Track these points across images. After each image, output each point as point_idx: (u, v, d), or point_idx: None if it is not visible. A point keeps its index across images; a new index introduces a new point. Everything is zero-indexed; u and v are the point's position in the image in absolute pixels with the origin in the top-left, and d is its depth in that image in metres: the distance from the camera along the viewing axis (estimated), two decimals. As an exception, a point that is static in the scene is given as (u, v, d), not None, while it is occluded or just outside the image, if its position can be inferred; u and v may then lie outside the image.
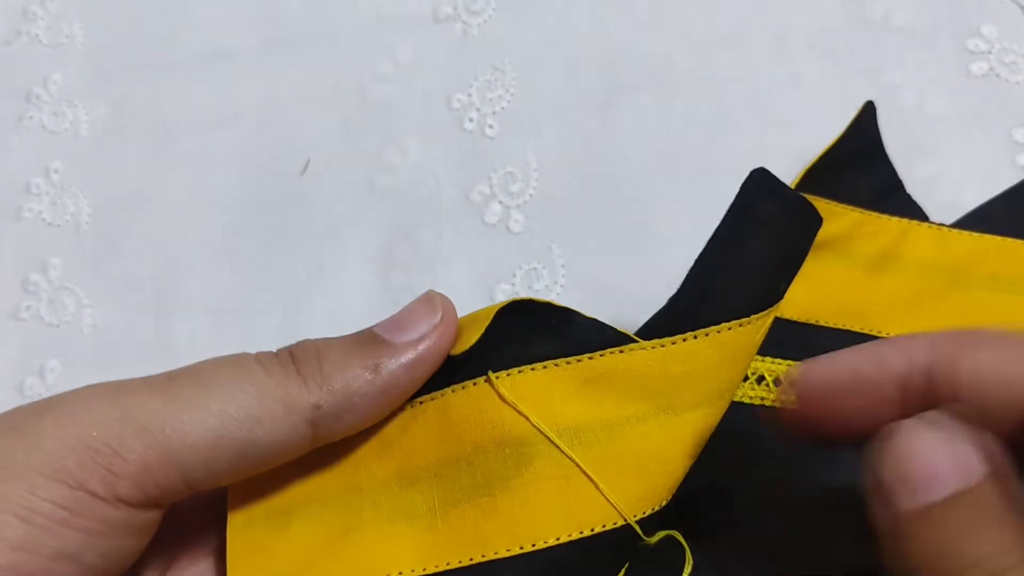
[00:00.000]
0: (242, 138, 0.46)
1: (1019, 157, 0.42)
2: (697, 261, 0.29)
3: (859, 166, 0.40)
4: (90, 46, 0.48)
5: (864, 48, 0.45)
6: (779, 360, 0.36)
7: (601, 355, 0.28)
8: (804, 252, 0.29)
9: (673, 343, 0.28)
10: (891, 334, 0.37)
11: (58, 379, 0.42)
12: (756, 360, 0.36)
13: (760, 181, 0.29)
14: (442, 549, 0.28)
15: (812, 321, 0.37)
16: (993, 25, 0.45)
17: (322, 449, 0.29)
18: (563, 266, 0.42)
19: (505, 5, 0.47)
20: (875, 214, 0.39)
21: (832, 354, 0.26)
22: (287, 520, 0.29)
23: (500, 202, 0.43)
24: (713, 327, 0.27)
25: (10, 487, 0.23)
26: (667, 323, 0.28)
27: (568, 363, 0.28)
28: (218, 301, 0.43)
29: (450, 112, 0.45)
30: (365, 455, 0.29)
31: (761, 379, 0.36)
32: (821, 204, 0.38)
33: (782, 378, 0.27)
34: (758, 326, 0.28)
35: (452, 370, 0.28)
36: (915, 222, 0.39)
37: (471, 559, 0.27)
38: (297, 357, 0.27)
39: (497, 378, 0.28)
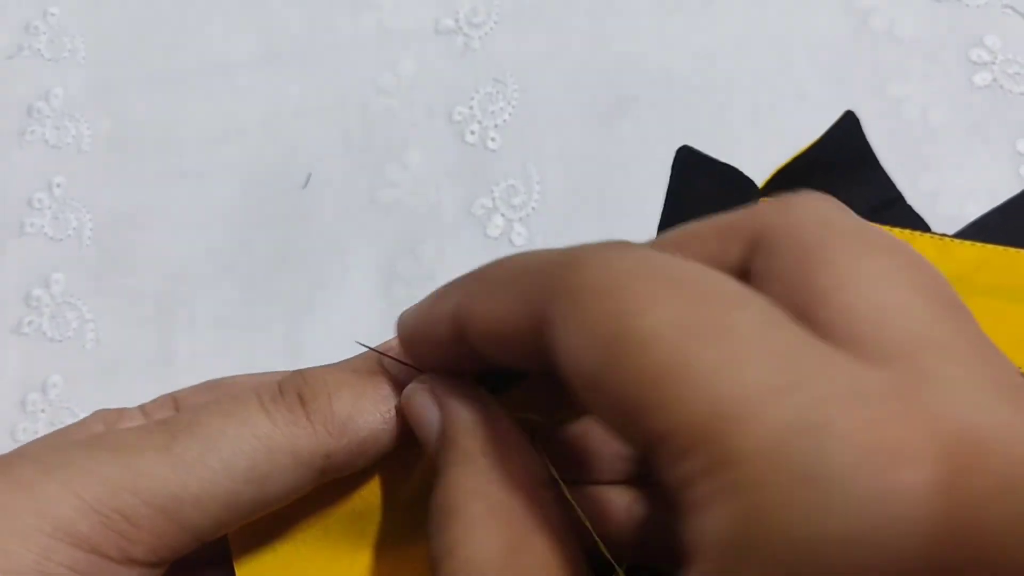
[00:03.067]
0: (244, 152, 0.46)
1: (1023, 168, 0.42)
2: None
3: (851, 176, 0.40)
4: (92, 60, 0.48)
5: (867, 59, 0.45)
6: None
7: None
8: None
9: None
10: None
11: (60, 394, 0.42)
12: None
13: (687, 160, 0.29)
14: None
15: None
16: (996, 35, 0.45)
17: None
18: (565, 279, 0.42)
19: (506, 18, 0.47)
20: (876, 225, 0.39)
21: (415, 306, 0.26)
22: (294, 547, 0.29)
23: (502, 215, 0.43)
24: None
25: (24, 551, 0.22)
26: None
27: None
28: (220, 315, 0.43)
29: (452, 125, 0.45)
30: (354, 484, 0.29)
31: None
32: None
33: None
34: None
35: None
36: (917, 232, 0.39)
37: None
38: (306, 399, 0.26)
39: None
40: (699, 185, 0.29)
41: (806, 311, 0.19)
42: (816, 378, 0.16)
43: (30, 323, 0.43)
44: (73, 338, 0.43)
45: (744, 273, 0.22)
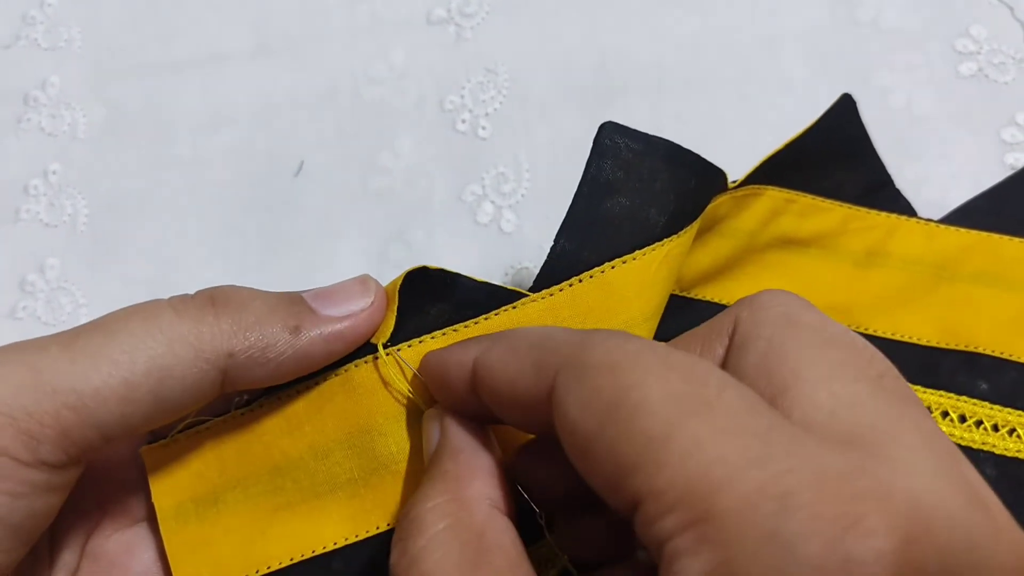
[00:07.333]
0: (237, 140, 0.46)
1: (1007, 156, 0.42)
2: (570, 209, 0.30)
3: (846, 161, 0.40)
4: (88, 50, 0.49)
5: (854, 49, 0.45)
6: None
7: (496, 314, 0.29)
8: (671, 183, 0.30)
9: (560, 290, 0.29)
10: (876, 330, 0.37)
11: (54, 378, 0.42)
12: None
13: (610, 131, 0.30)
14: (368, 515, 0.29)
15: (799, 318, 0.37)
16: (982, 26, 0.45)
17: (232, 433, 0.30)
18: (554, 265, 0.42)
19: (498, 8, 0.48)
20: (864, 209, 0.39)
21: (441, 350, 0.28)
22: (216, 508, 0.30)
23: (492, 202, 0.44)
24: (596, 268, 0.29)
25: None
26: (554, 272, 0.29)
27: (466, 327, 0.29)
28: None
29: (443, 113, 0.46)
30: (275, 435, 0.30)
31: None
32: (808, 200, 0.38)
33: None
34: (645, 262, 0.29)
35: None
36: (903, 217, 0.40)
37: (399, 516, 0.28)
38: (217, 300, 0.26)
39: (399, 350, 0.29)
40: (618, 153, 0.30)
41: (771, 401, 0.21)
42: (783, 454, 0.18)
43: (24, 308, 0.43)
44: (67, 323, 0.43)
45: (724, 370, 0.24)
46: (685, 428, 0.19)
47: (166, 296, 0.43)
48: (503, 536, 0.23)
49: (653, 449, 0.19)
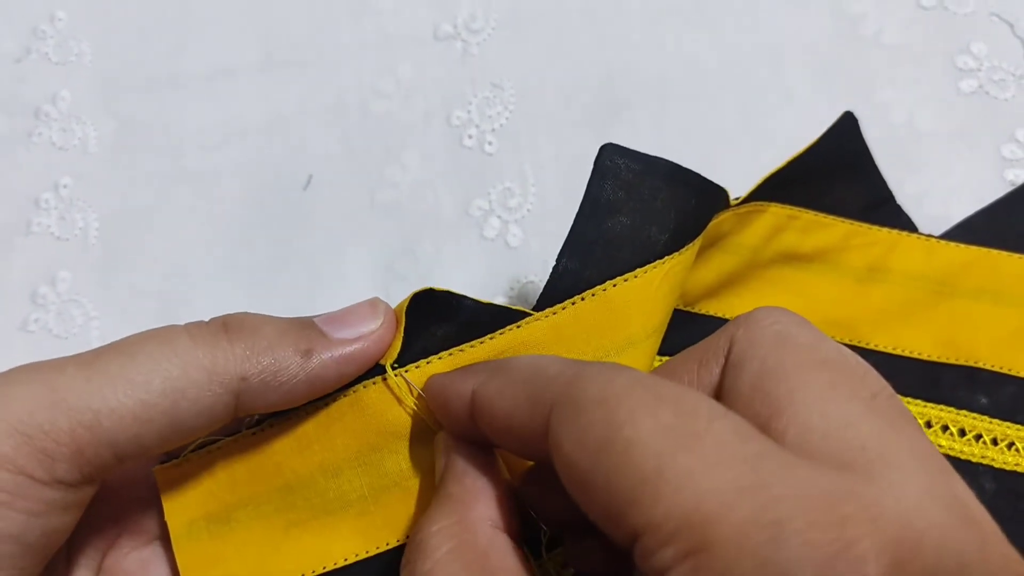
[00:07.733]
0: (246, 154, 0.47)
1: (1007, 172, 0.43)
2: (572, 229, 0.30)
3: (848, 177, 0.41)
4: (98, 64, 0.49)
5: (856, 65, 0.46)
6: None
7: (501, 333, 0.30)
8: (671, 202, 0.31)
9: (563, 308, 0.30)
10: (878, 345, 0.37)
11: (65, 390, 0.43)
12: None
13: (610, 152, 0.30)
14: (379, 531, 0.30)
15: (802, 333, 0.38)
16: (983, 43, 0.46)
17: (242, 452, 0.30)
18: (560, 279, 0.42)
19: (504, 24, 0.48)
20: (865, 225, 0.40)
21: (441, 378, 0.28)
22: (228, 526, 0.30)
23: (498, 217, 0.44)
24: (599, 287, 0.30)
25: None
26: (557, 291, 0.30)
27: (472, 347, 0.30)
28: (222, 314, 0.44)
29: (450, 129, 0.46)
30: (285, 454, 0.30)
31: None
32: (810, 217, 0.39)
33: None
34: (647, 280, 0.30)
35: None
36: (904, 233, 0.40)
37: (408, 537, 0.29)
38: (231, 326, 0.27)
39: (407, 371, 0.29)
40: (618, 174, 0.31)
41: (766, 423, 0.22)
42: (774, 481, 0.19)
43: (36, 320, 0.44)
44: (78, 335, 0.44)
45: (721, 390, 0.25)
46: (676, 461, 0.19)
47: (176, 307, 0.44)
48: (506, 557, 0.24)
49: (647, 483, 0.19)
